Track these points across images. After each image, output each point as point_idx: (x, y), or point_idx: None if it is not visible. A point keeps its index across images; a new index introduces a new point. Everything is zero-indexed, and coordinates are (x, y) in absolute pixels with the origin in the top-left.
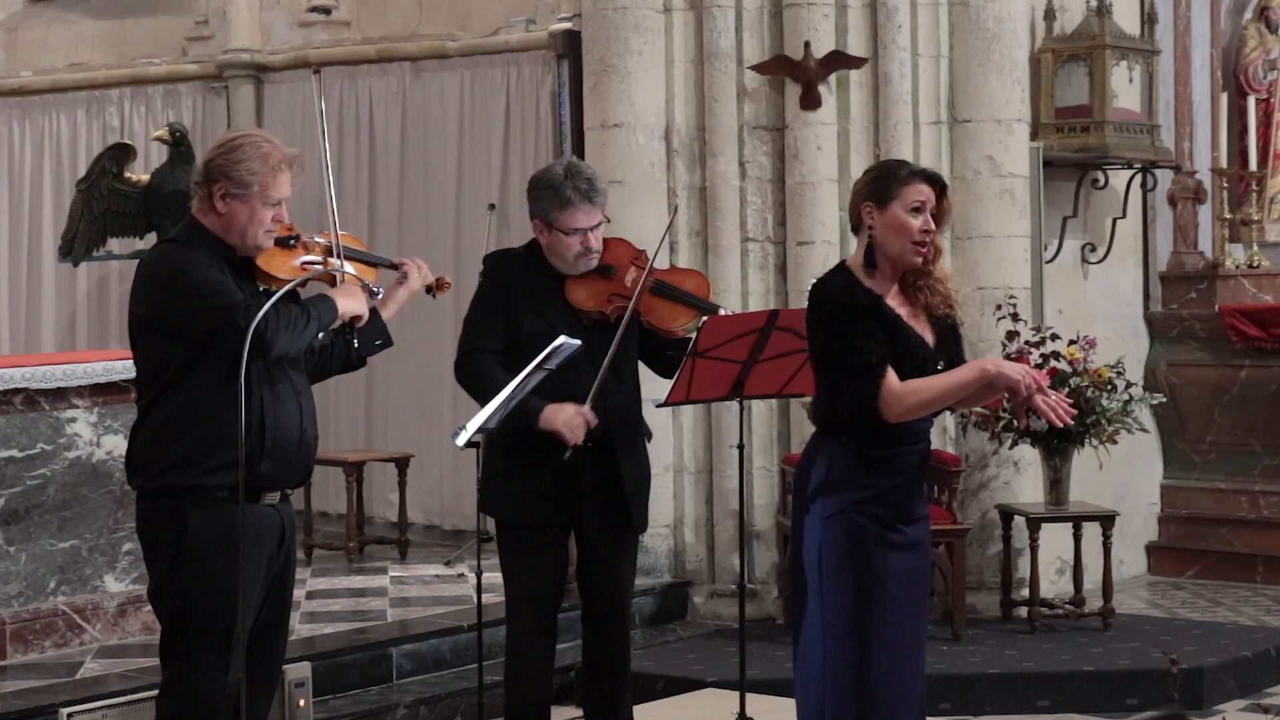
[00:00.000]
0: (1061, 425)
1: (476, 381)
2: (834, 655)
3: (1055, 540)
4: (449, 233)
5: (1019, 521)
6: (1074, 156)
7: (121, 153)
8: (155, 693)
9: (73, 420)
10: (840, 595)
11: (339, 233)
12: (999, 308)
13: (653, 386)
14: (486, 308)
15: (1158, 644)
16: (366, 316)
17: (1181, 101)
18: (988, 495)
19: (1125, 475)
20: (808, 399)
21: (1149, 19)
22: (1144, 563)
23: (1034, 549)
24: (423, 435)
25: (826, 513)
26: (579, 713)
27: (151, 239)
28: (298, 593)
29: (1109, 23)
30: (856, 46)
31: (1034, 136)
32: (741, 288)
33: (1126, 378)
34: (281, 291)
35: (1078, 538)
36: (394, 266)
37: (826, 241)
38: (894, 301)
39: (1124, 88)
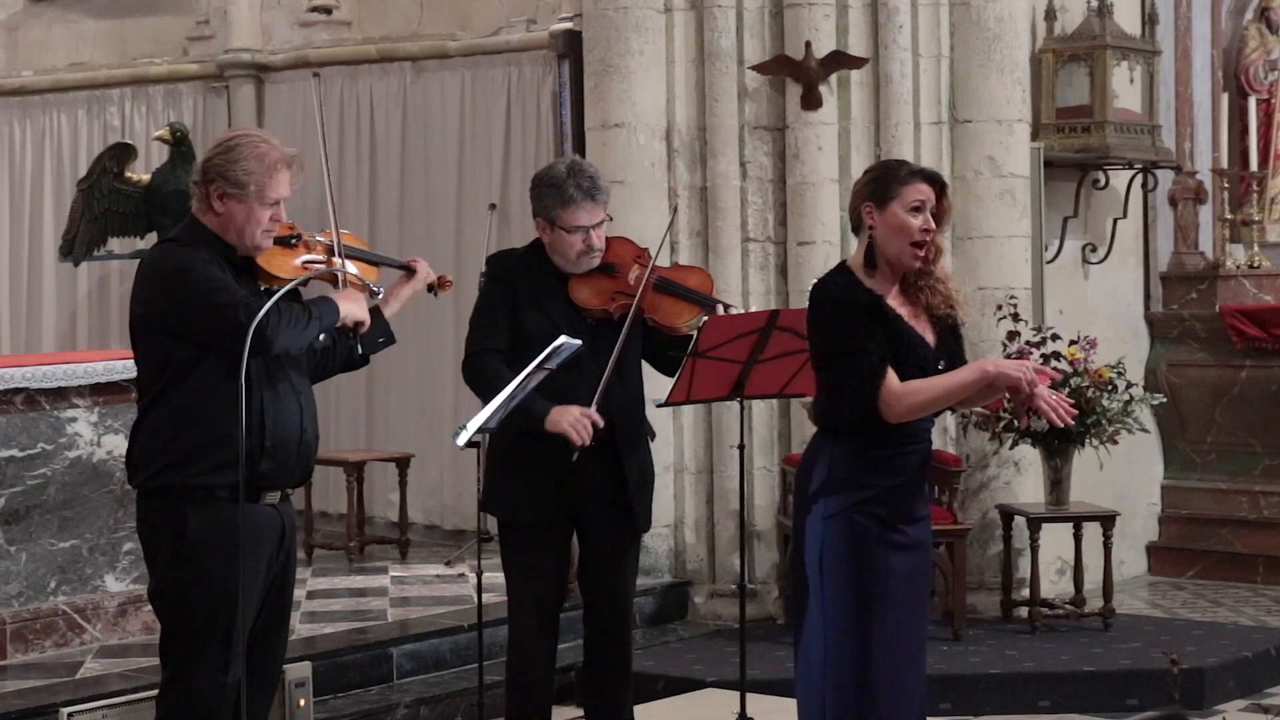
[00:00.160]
0: (1062, 425)
1: (484, 382)
2: (835, 655)
3: (1056, 540)
4: (450, 233)
5: (1019, 521)
6: (1075, 157)
7: (122, 152)
8: (155, 692)
9: (73, 420)
10: (841, 595)
11: (340, 232)
12: (999, 308)
13: (653, 386)
14: (491, 308)
15: (1158, 644)
16: (369, 323)
17: (1182, 102)
18: (988, 495)
19: (1126, 475)
20: (808, 399)
21: (1150, 19)
22: (1144, 563)
23: (1034, 549)
24: (423, 435)
25: (828, 513)
26: (579, 713)
27: (152, 239)
28: (298, 592)
29: (1110, 23)
30: (857, 46)
31: (1035, 137)
32: (742, 288)
33: (1127, 378)
34: (282, 291)
35: (1078, 538)
36: (403, 267)
37: (827, 242)
38: (895, 301)
39: (1125, 88)
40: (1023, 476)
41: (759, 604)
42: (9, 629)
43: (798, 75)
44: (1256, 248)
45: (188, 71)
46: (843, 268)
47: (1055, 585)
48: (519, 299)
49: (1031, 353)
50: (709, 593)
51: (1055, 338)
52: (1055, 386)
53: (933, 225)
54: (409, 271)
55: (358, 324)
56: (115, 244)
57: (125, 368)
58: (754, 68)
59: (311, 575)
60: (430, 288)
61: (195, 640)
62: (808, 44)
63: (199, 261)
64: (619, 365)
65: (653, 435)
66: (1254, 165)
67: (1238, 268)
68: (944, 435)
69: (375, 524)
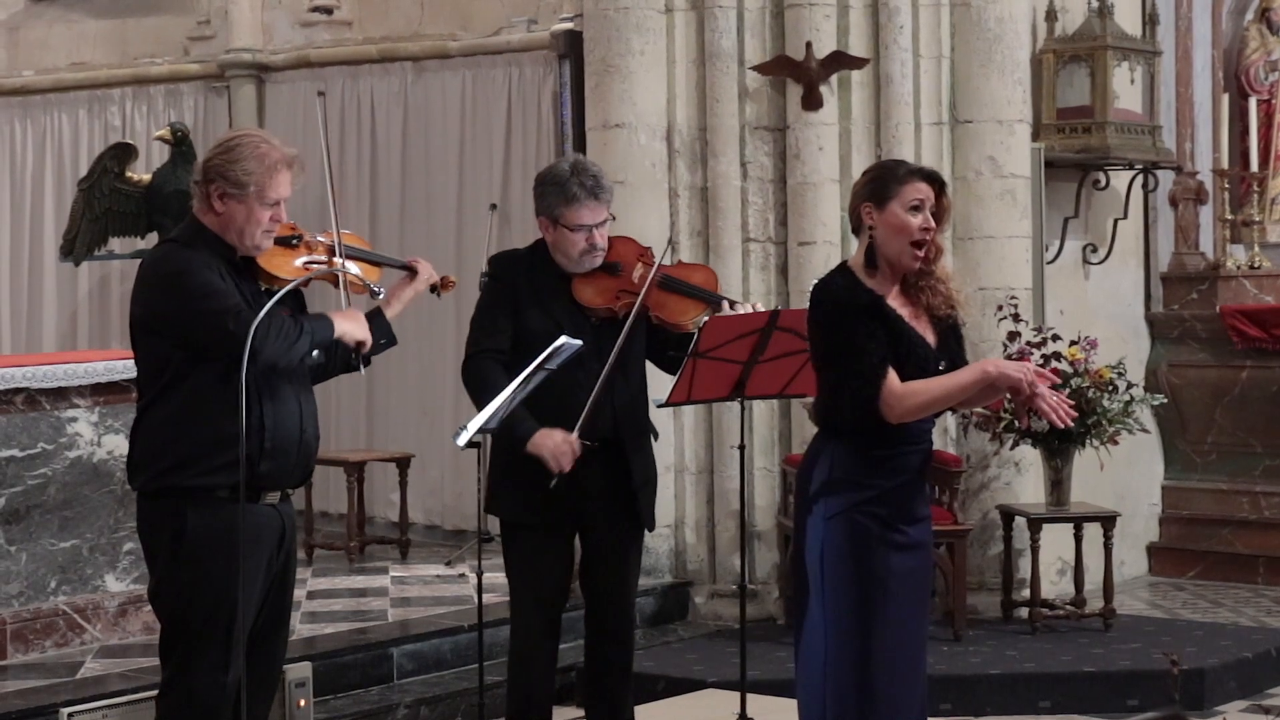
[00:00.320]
0: (1063, 426)
1: (480, 387)
2: (835, 655)
3: (1056, 541)
4: (450, 233)
5: (1020, 522)
6: (1075, 157)
7: (123, 152)
8: (156, 693)
9: (74, 420)
10: (842, 595)
11: (342, 232)
12: (1000, 308)
13: (654, 387)
14: (492, 308)
15: (1159, 645)
16: (370, 342)
17: (1183, 102)
18: (989, 496)
19: (1126, 476)
20: (809, 399)
21: (1150, 20)
22: (1145, 563)
23: (1035, 549)
24: (424, 435)
25: (829, 513)
26: (580, 713)
27: (153, 239)
28: (298, 592)
29: (1110, 24)
30: (858, 47)
31: (1035, 137)
32: (743, 288)
33: (1127, 378)
34: (282, 291)
35: (1079, 538)
36: (405, 268)
37: (828, 242)
38: (895, 302)
39: (1125, 89)
40: (1023, 477)
41: (759, 604)
42: (9, 629)
43: (798, 76)
44: (1257, 248)
45: (189, 71)
46: (843, 268)
47: (1056, 586)
48: (521, 299)
49: (1032, 353)
50: (709, 593)
51: (1056, 338)
52: (1055, 387)
53: (932, 224)
54: (410, 272)
55: (359, 343)
56: (116, 244)
57: (126, 368)
58: (755, 68)
59: (312, 575)
60: (433, 288)
61: (195, 640)
62: (808, 44)
63: (197, 266)
64: (622, 365)
65: (656, 435)
66: (1254, 166)
67: (1238, 268)
68: (944, 435)
69: (376, 524)
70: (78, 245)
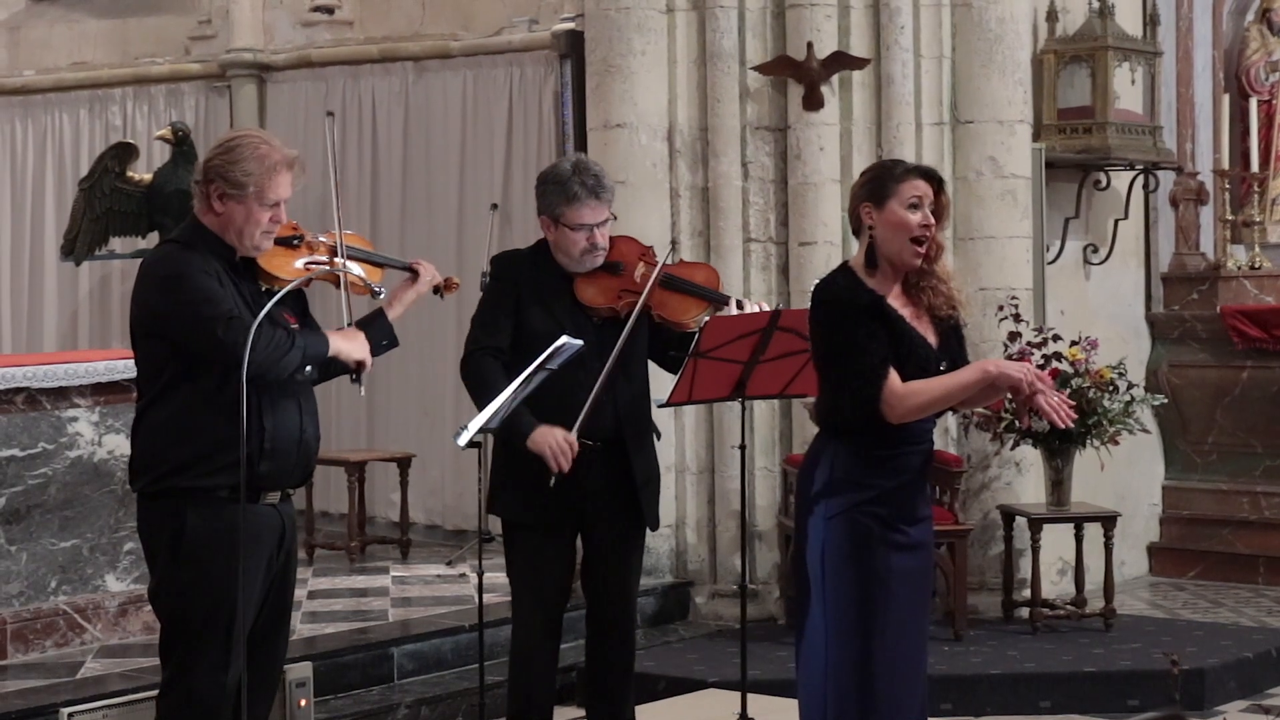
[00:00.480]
0: (1063, 426)
1: (477, 383)
2: (836, 655)
3: (1057, 541)
4: (451, 233)
5: (1020, 522)
6: (1076, 158)
7: (124, 152)
8: (156, 692)
9: (74, 420)
10: (843, 595)
11: (345, 232)
12: (1001, 309)
13: (656, 386)
14: (494, 306)
15: (1159, 645)
16: (369, 364)
17: (1183, 103)
18: (989, 496)
19: (1127, 476)
20: (810, 399)
21: (1151, 20)
22: (1145, 563)
23: (1035, 550)
24: (424, 435)
25: (830, 513)
26: (581, 713)
27: (154, 238)
28: (299, 592)
29: (1111, 24)
30: (859, 47)
31: (1036, 137)
32: (744, 288)
33: (1128, 379)
34: (282, 292)
35: (1079, 538)
36: (407, 269)
37: (829, 242)
38: (896, 302)
39: (1126, 89)
40: (1024, 477)
41: (760, 604)
42: (9, 629)
43: (799, 76)
44: (1257, 248)
45: (190, 71)
46: (844, 268)
47: (1056, 586)
48: (523, 299)
49: (1033, 353)
50: (710, 593)
51: (1056, 338)
52: (1056, 387)
53: (932, 221)
54: (413, 274)
55: (358, 363)
56: (117, 243)
57: (126, 367)
58: (756, 68)
59: (312, 575)
60: (436, 290)
61: (195, 640)
62: (809, 45)
63: (194, 269)
64: (624, 364)
65: (659, 435)
66: (1255, 166)
67: (1239, 269)
68: (945, 436)
69: (376, 524)
70: (79, 245)
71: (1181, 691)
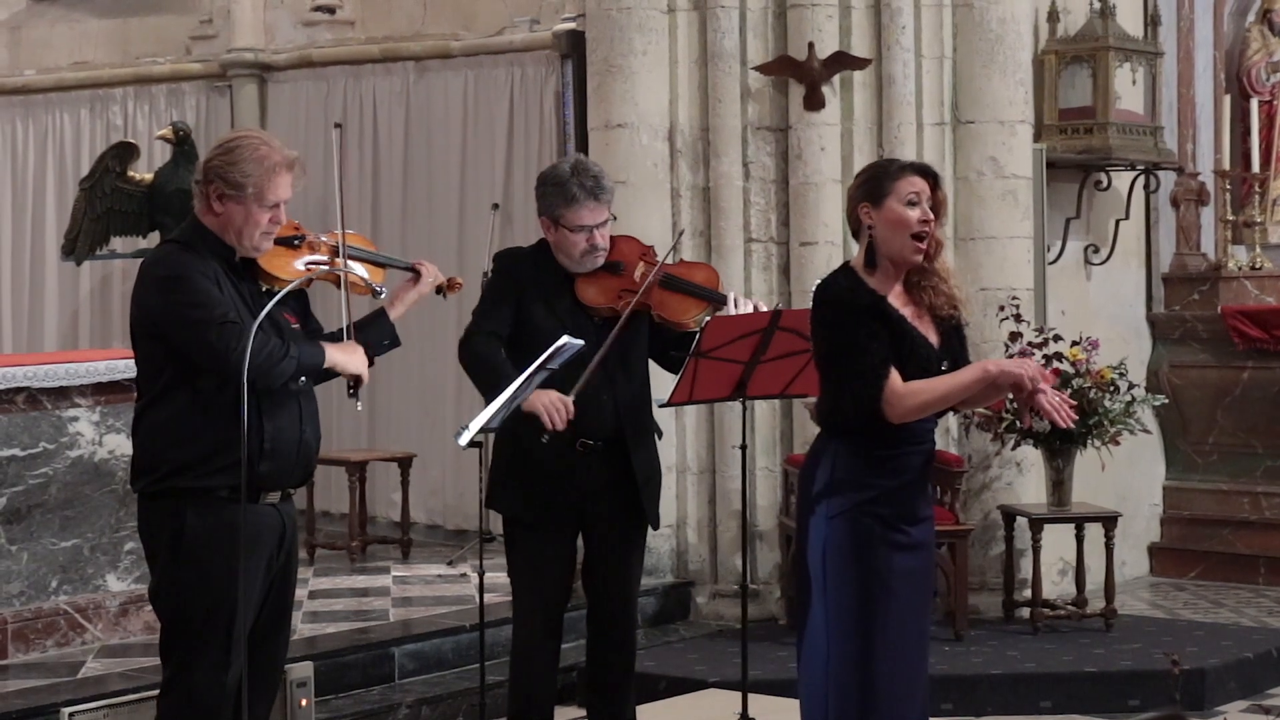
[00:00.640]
0: (1064, 426)
1: (475, 362)
2: (838, 655)
3: (1057, 541)
4: (452, 232)
5: (1021, 522)
6: (1077, 158)
7: (125, 151)
8: (156, 692)
9: (75, 419)
10: (845, 595)
11: (347, 232)
12: (1002, 309)
13: (656, 386)
14: (497, 296)
15: (1159, 645)
16: (366, 378)
17: (1184, 103)
18: (990, 496)
19: (1127, 476)
20: (810, 399)
21: (1152, 21)
22: (1146, 564)
23: (1036, 550)
24: (425, 435)
25: (831, 513)
26: (581, 713)
27: (155, 238)
28: (300, 592)
29: (1112, 24)
30: (860, 47)
31: (1037, 138)
32: (745, 288)
33: (1129, 379)
34: (282, 293)
35: (1080, 539)
36: (410, 269)
37: (830, 242)
38: (897, 302)
39: (1127, 89)
40: (1025, 477)
41: (761, 604)
42: (10, 628)
43: (800, 76)
44: (1258, 249)
45: (191, 71)
46: (846, 268)
47: (1057, 586)
48: (524, 296)
49: (1033, 353)
50: (711, 593)
51: (1057, 339)
52: (1056, 387)
53: (931, 217)
54: (415, 274)
55: (354, 377)
56: (118, 243)
57: (127, 367)
58: (757, 68)
59: (313, 575)
60: (439, 290)
61: (195, 640)
62: (811, 45)
63: (193, 271)
64: (624, 363)
65: (660, 434)
66: (1256, 167)
67: (1239, 269)
68: (946, 436)
69: (377, 524)
70: (79, 244)
71: (1182, 692)
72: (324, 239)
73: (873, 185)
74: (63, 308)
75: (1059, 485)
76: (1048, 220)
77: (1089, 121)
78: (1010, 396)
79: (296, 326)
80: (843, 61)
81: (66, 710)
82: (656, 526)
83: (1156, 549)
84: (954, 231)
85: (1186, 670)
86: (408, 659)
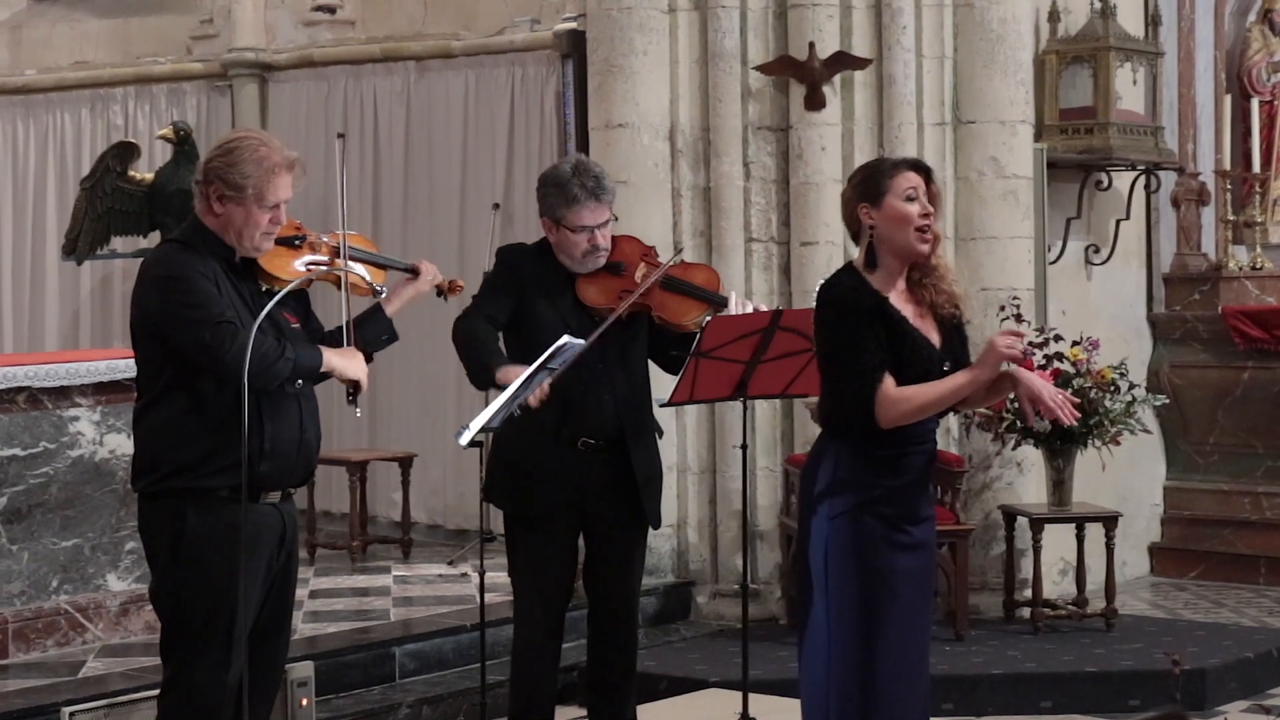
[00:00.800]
0: (1068, 424)
1: (467, 338)
2: (839, 655)
3: (1058, 541)
4: (453, 232)
5: (1022, 522)
6: (1078, 158)
7: (126, 151)
8: (157, 692)
9: (76, 419)
10: (846, 595)
11: (348, 233)
12: (1002, 309)
13: (657, 386)
14: (498, 287)
15: (1160, 645)
16: (364, 384)
17: (1185, 103)
18: (991, 496)
19: (1128, 476)
20: (811, 399)
21: (1153, 21)
22: (1147, 564)
23: (1037, 550)
24: (426, 435)
25: (833, 512)
26: (582, 712)
27: (155, 238)
28: (300, 592)
29: (1113, 25)
30: (861, 47)
31: (1038, 138)
32: (745, 288)
33: (1129, 379)
34: (282, 293)
35: (1080, 539)
36: (409, 270)
37: (830, 242)
38: (899, 302)
39: (1128, 89)
40: (1025, 477)
41: (762, 604)
42: (11, 628)
43: (801, 76)
44: (1259, 249)
45: (191, 70)
46: (849, 268)
47: (1057, 586)
48: (527, 292)
49: (1034, 354)
50: (712, 593)
51: (1058, 339)
52: (1057, 386)
53: (931, 210)
54: (413, 274)
55: (353, 383)
56: (118, 243)
57: (128, 367)
58: (758, 68)
59: (314, 575)
60: (440, 291)
61: (196, 639)
62: (811, 45)
63: (191, 271)
64: (623, 362)
65: (660, 433)
66: (1256, 167)
67: (1240, 269)
68: (947, 436)
69: (378, 523)
70: (80, 244)
71: (1183, 692)
72: (325, 239)
73: (870, 185)
74: (63, 307)
75: (1060, 485)
76: (1048, 220)
77: (1090, 121)
78: (1011, 397)
79: (297, 326)
80: (843, 61)
81: (67, 710)
82: (657, 526)
83: (1157, 549)
84: (955, 231)
85: (1187, 670)
86: (408, 659)
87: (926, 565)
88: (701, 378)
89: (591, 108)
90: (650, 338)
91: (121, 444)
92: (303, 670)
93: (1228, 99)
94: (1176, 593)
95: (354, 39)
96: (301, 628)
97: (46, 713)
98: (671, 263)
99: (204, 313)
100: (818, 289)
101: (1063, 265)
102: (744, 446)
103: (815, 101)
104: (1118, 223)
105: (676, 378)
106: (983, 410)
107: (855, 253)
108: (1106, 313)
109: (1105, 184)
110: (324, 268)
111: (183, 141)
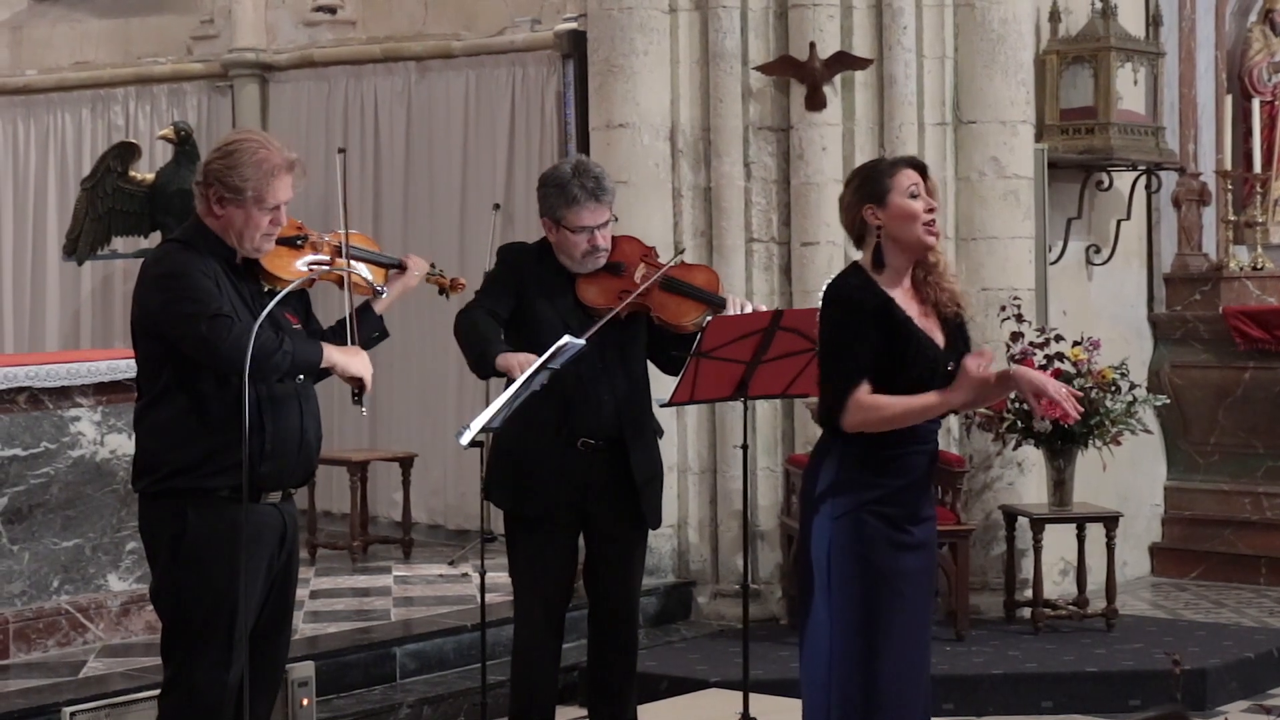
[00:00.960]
0: (1075, 419)
1: (468, 329)
2: (841, 655)
3: (1059, 541)
4: (454, 232)
5: (1023, 522)
6: (1078, 158)
7: (126, 151)
8: (158, 692)
9: (76, 419)
10: (849, 595)
11: (350, 232)
12: (1003, 309)
13: (658, 386)
14: (500, 283)
15: (1161, 645)
16: (369, 384)
17: (1186, 104)
18: (991, 496)
19: (1129, 476)
20: (812, 399)
21: (1154, 21)
22: (1147, 564)
23: (1037, 550)
24: (427, 435)
25: (836, 512)
26: (583, 712)
27: (156, 238)
28: (301, 592)
29: (1114, 25)
30: (862, 47)
31: (1039, 138)
32: (746, 288)
33: (1130, 379)
34: (283, 293)
35: (1081, 539)
36: (396, 265)
37: (831, 242)
38: (905, 301)
39: (1129, 90)
40: (1026, 477)
41: (762, 604)
42: (12, 628)
43: (802, 76)
44: (1260, 249)
45: (192, 71)
46: (857, 268)
47: (1058, 586)
48: (527, 290)
49: (1035, 354)
50: (712, 593)
51: (1059, 339)
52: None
53: (935, 204)
54: (400, 269)
55: (356, 381)
56: (119, 243)
57: (128, 367)
58: (758, 68)
59: (315, 575)
60: (442, 291)
61: (196, 639)
62: (812, 45)
63: (190, 269)
64: (623, 362)
65: (660, 433)
66: (1257, 167)
67: (1241, 269)
68: (947, 436)
69: (379, 524)
70: (81, 244)
71: (1183, 692)
72: (327, 239)
73: (872, 186)
74: (64, 307)
75: (1060, 485)
76: (1049, 220)
77: (1090, 122)
78: (1011, 396)
79: (298, 326)
80: (844, 61)
81: (68, 710)
82: (657, 526)
83: (1158, 549)
84: (955, 232)
85: (1188, 670)
86: (409, 659)
87: (928, 565)
88: (702, 378)
89: (592, 108)
90: (650, 338)
91: (122, 444)
92: (303, 670)
93: (1229, 99)
94: (1177, 593)
95: (354, 39)
96: (302, 628)
97: (47, 713)
98: (672, 263)
99: (201, 307)
100: (825, 287)
101: (1063, 265)
102: (745, 446)
103: (816, 102)
104: (1118, 223)
105: (677, 378)
106: (983, 410)
107: (855, 254)
108: (1107, 313)
109: (1106, 184)
110: (325, 267)
111: (183, 142)
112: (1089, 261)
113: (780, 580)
